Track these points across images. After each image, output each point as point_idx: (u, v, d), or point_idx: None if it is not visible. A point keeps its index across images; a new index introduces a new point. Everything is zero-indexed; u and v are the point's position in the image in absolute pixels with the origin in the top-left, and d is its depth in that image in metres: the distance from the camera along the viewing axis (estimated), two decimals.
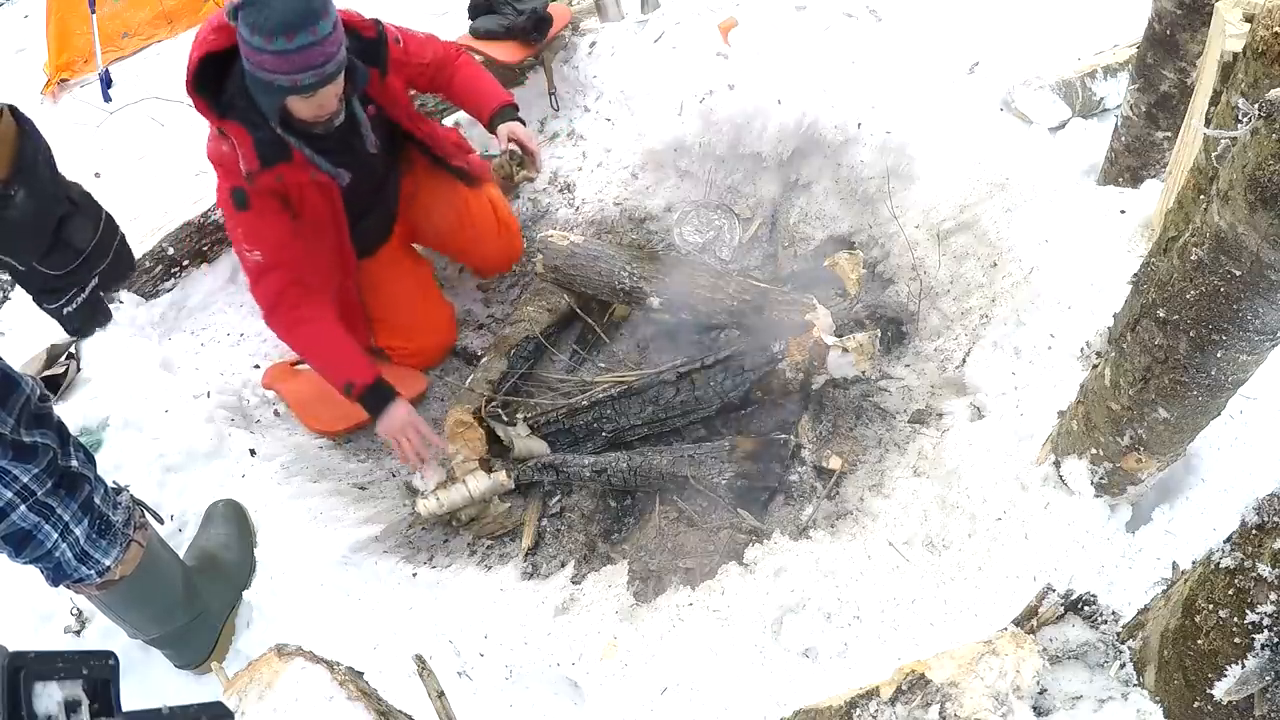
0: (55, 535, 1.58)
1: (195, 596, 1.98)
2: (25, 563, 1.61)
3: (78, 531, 1.62)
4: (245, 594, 2.12)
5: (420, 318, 2.74)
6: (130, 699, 0.83)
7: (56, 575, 1.66)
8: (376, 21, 2.34)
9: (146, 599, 1.87)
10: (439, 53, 2.56)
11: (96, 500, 1.66)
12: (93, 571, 1.68)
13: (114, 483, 1.80)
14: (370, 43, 2.28)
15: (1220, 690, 1.01)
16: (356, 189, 2.40)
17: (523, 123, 2.59)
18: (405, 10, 4.15)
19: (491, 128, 2.59)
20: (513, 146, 2.53)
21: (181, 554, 2.14)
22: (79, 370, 2.59)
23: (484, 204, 2.82)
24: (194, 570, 2.03)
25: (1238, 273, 1.18)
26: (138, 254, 2.82)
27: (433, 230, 2.78)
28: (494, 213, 2.84)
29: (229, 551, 2.12)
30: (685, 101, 3.06)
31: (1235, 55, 1.42)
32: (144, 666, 2.05)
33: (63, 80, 5.25)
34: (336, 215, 2.42)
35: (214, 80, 2.14)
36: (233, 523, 2.19)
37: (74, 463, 1.62)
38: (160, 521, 1.92)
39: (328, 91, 2.12)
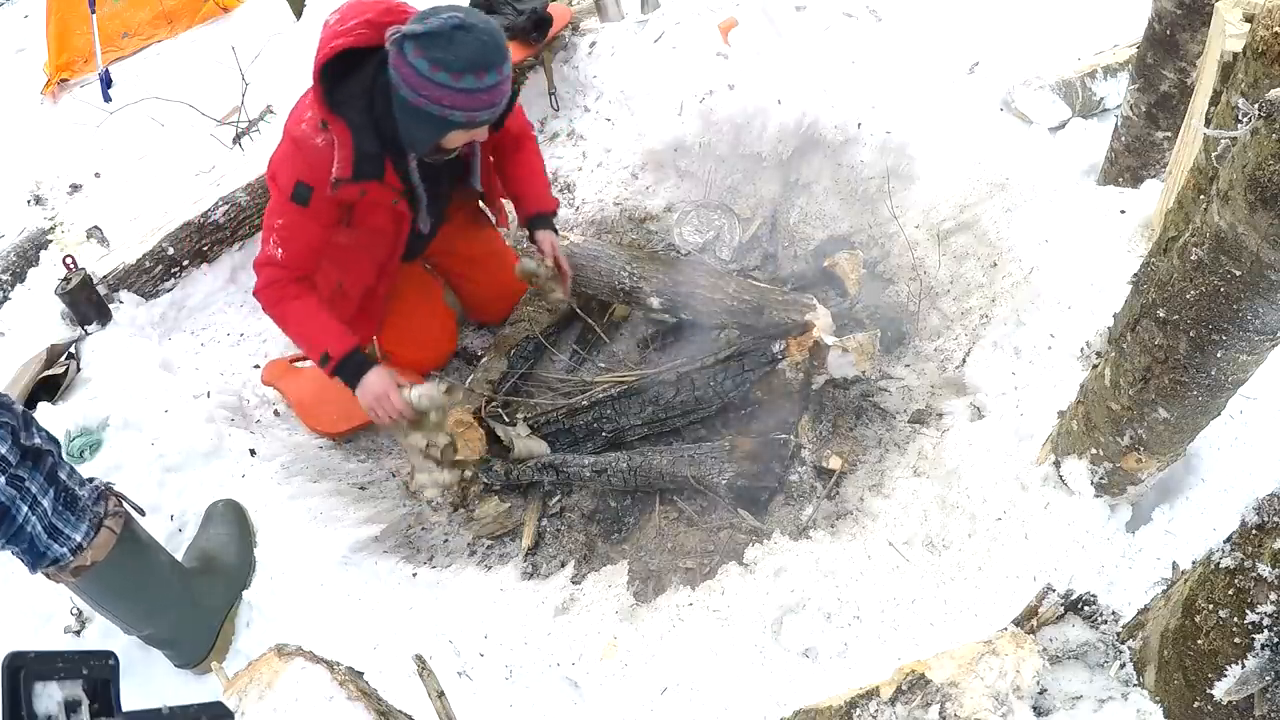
0: (25, 508, 1.61)
1: (189, 594, 1.98)
2: (2, 544, 1.62)
3: (45, 503, 1.64)
4: (245, 594, 2.12)
5: (422, 324, 2.74)
6: (130, 699, 0.83)
7: (33, 556, 1.67)
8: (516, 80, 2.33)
9: (126, 588, 1.87)
10: (520, 126, 2.54)
11: (61, 475, 1.69)
12: (64, 549, 1.69)
13: (94, 478, 1.82)
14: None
15: (1220, 690, 1.01)
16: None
17: (555, 231, 2.59)
18: None
19: (531, 228, 2.58)
20: (550, 263, 2.53)
21: (182, 554, 2.14)
22: (79, 370, 2.59)
23: (509, 257, 2.84)
24: (192, 570, 2.04)
25: (1238, 273, 1.18)
26: (138, 254, 2.84)
27: (455, 254, 2.76)
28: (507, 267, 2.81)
29: (228, 552, 2.13)
30: (685, 101, 3.06)
31: (1235, 55, 1.42)
32: (144, 666, 2.05)
33: (63, 80, 5.26)
34: (399, 236, 2.42)
35: (335, 71, 2.07)
36: (232, 523, 2.19)
37: (38, 439, 1.65)
38: (142, 514, 1.91)
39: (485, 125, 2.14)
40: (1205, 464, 1.80)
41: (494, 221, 2.80)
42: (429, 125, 2.07)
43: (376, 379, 2.24)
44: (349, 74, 2.08)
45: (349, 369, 2.25)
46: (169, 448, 2.33)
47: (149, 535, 1.95)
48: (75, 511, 1.71)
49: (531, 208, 2.57)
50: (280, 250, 2.21)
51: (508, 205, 2.72)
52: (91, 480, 1.80)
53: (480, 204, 2.78)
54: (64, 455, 1.75)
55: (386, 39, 1.99)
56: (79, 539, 1.72)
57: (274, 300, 2.26)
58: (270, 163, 2.26)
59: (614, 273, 2.66)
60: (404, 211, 2.34)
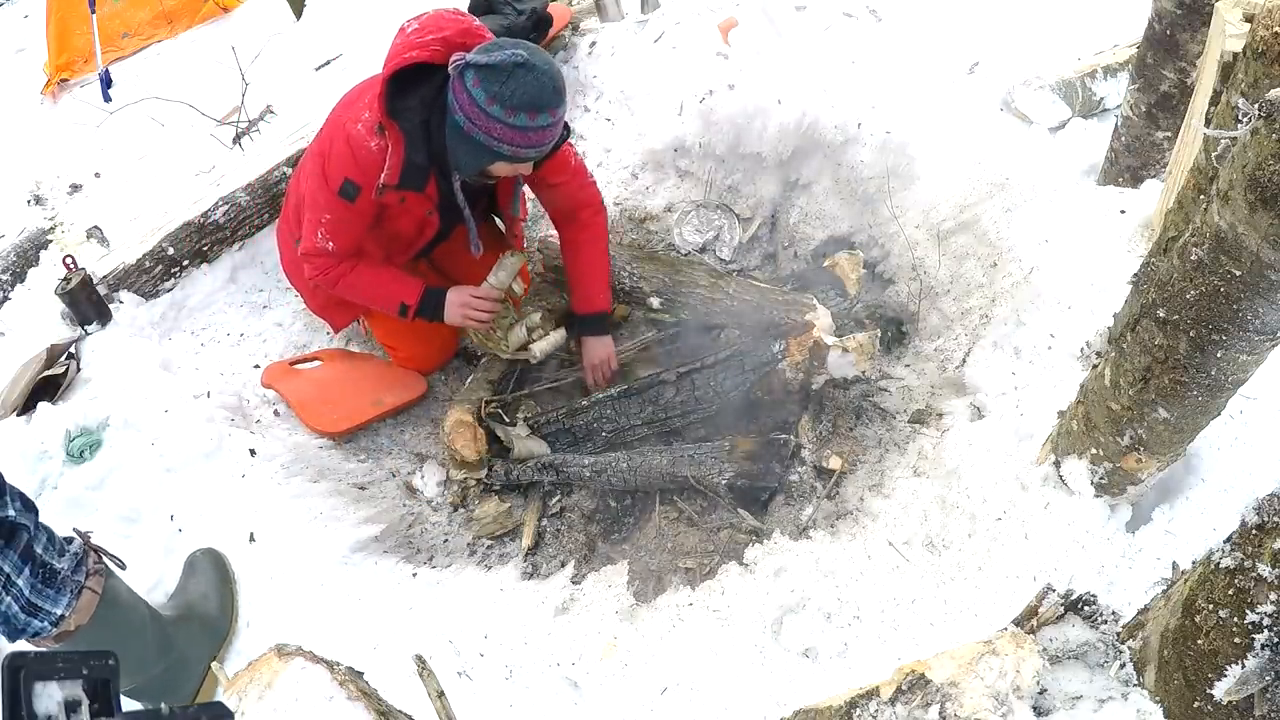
0: None
1: (170, 645, 1.93)
2: None
3: (20, 582, 1.57)
4: (244, 593, 2.12)
5: (422, 329, 2.73)
6: (130, 698, 0.83)
7: (10, 631, 1.60)
8: (567, 124, 2.36)
9: (110, 648, 1.80)
10: (590, 197, 2.56)
11: (38, 549, 1.61)
12: (45, 623, 1.62)
13: (74, 530, 1.75)
14: None
15: (1220, 690, 1.01)
16: (447, 229, 2.50)
17: (606, 331, 2.62)
18: (406, 11, 4.14)
19: (580, 330, 2.63)
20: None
21: (167, 597, 2.11)
22: (79, 370, 2.59)
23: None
24: (170, 620, 1.98)
25: (1238, 273, 1.18)
26: (138, 254, 2.83)
27: (460, 254, 2.75)
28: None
29: (207, 602, 2.07)
30: (685, 101, 3.06)
31: (1235, 55, 1.42)
32: None
33: (63, 80, 5.26)
34: (416, 242, 2.49)
35: (401, 79, 2.12)
36: (212, 572, 2.13)
37: (10, 511, 1.55)
38: (123, 567, 1.85)
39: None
40: (1205, 464, 1.80)
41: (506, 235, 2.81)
42: (477, 153, 2.12)
43: (456, 299, 2.44)
44: (413, 85, 2.12)
45: (428, 309, 2.44)
46: (169, 448, 2.33)
47: (129, 589, 1.88)
48: (55, 585, 1.62)
49: (582, 306, 2.61)
50: (331, 243, 2.32)
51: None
52: (70, 543, 1.70)
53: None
54: (39, 524, 1.62)
55: (449, 63, 2.04)
56: (60, 611, 1.63)
57: (332, 282, 2.41)
58: (318, 150, 2.30)
59: (614, 273, 2.66)
60: (434, 223, 2.40)
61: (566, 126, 2.35)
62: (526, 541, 2.36)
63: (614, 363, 2.64)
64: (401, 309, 2.42)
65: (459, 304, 2.43)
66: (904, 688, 1.14)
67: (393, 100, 2.12)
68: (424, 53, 2.07)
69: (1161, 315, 1.36)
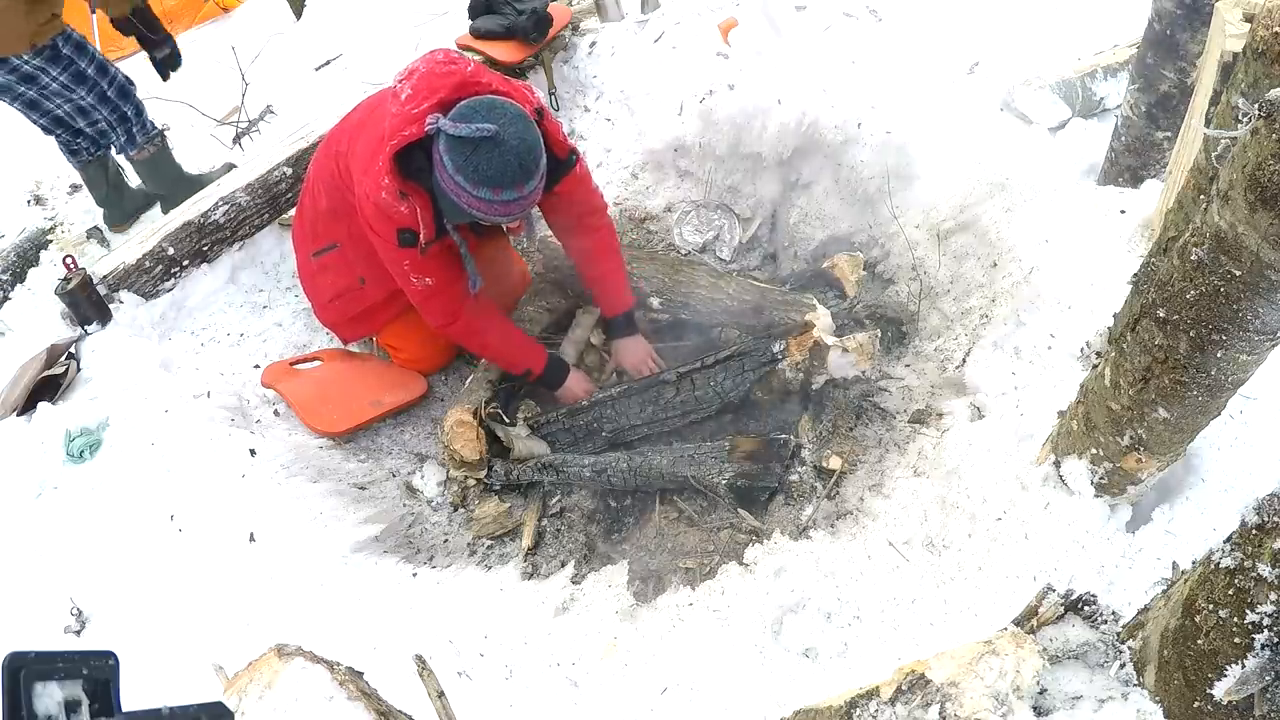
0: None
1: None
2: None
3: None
4: (244, 593, 2.11)
5: (425, 331, 2.72)
6: (130, 698, 0.83)
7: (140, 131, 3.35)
8: (573, 149, 2.36)
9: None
10: (590, 202, 2.53)
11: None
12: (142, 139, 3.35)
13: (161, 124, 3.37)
14: (556, 163, 2.27)
15: (1220, 690, 1.01)
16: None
17: (636, 328, 2.65)
18: (406, 11, 4.14)
19: (611, 332, 2.68)
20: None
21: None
22: (79, 370, 2.59)
23: (514, 259, 2.89)
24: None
25: (1238, 273, 1.18)
26: (138, 254, 2.83)
27: None
28: (513, 267, 2.87)
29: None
30: (685, 101, 3.06)
31: (1235, 55, 1.42)
32: (144, 667, 2.05)
33: None
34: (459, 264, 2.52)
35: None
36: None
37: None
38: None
39: None
40: (1205, 464, 1.80)
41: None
42: (454, 209, 2.17)
43: (576, 388, 2.58)
44: (417, 141, 2.12)
45: (549, 379, 2.56)
46: (169, 448, 2.33)
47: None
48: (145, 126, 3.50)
49: (610, 310, 2.66)
50: (429, 279, 2.34)
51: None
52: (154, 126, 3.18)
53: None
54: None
55: (425, 125, 2.05)
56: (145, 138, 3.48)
57: (466, 332, 2.49)
58: (361, 207, 2.29)
59: None
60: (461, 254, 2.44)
61: (573, 152, 2.35)
62: (526, 541, 2.36)
63: (654, 357, 2.64)
64: (525, 374, 2.54)
65: (574, 394, 2.57)
66: (904, 688, 1.14)
67: (406, 166, 2.14)
68: (419, 127, 2.07)
69: (1161, 315, 1.36)
